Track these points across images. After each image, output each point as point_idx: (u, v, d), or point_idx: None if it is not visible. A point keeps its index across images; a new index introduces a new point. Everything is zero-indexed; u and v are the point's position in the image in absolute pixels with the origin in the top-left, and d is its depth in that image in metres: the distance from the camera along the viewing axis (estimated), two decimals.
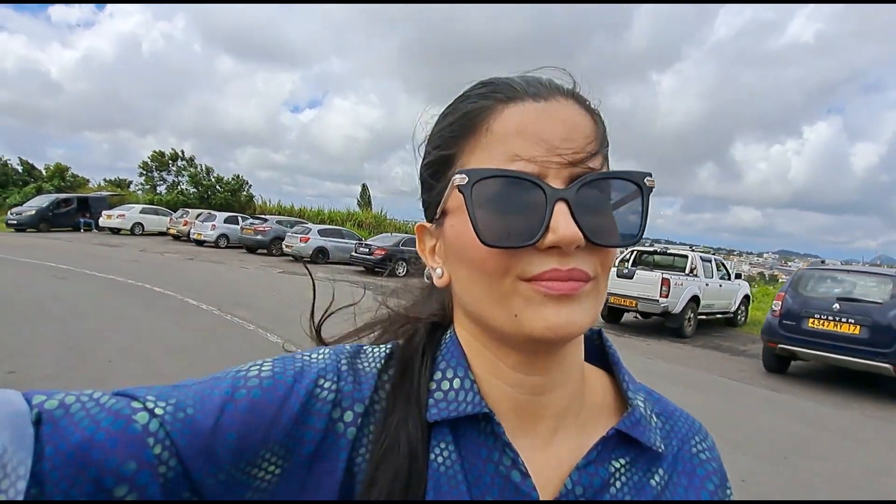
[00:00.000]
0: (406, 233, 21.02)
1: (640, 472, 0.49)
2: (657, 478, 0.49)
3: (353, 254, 17.54)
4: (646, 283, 10.27)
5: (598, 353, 0.57)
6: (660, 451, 0.49)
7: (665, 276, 10.14)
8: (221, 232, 21.37)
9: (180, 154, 35.59)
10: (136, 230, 24.19)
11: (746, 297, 13.06)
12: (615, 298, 10.58)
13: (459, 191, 0.42)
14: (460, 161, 0.46)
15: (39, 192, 29.65)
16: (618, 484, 0.47)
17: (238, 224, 21.73)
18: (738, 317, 12.72)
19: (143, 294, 9.36)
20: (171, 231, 23.30)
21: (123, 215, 24.25)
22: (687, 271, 10.97)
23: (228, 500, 0.40)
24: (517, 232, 0.42)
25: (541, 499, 0.45)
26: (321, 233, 19.19)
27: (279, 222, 21.24)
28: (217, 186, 33.38)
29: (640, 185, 0.45)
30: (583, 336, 0.52)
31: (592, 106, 0.47)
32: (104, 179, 38.23)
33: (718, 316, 12.00)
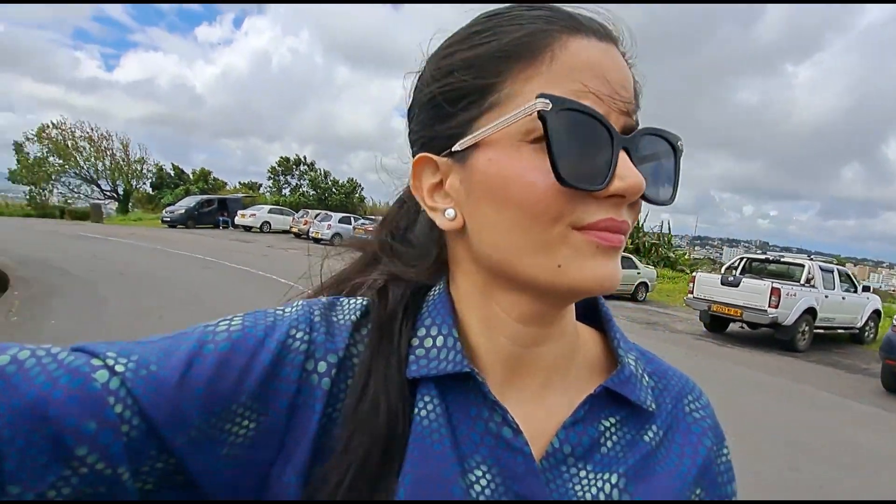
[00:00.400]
0: None
1: (632, 430, 0.48)
2: (650, 434, 0.48)
3: None
4: (753, 292, 9.80)
5: (590, 312, 0.55)
6: (650, 409, 0.48)
7: (775, 284, 9.61)
8: (336, 231, 23.14)
9: (302, 159, 38.98)
10: (265, 228, 26.89)
11: (877, 313, 11.87)
12: (718, 307, 10.21)
13: (540, 117, 0.39)
14: (507, 89, 0.41)
15: (187, 193, 33.94)
16: (608, 443, 0.46)
17: (350, 224, 23.40)
18: (866, 333, 11.62)
19: (272, 284, 10.69)
20: (293, 229, 25.68)
21: (255, 215, 27.11)
22: (802, 281, 10.29)
23: (202, 456, 0.39)
24: (586, 174, 0.39)
25: (532, 454, 0.44)
26: None
27: None
28: (333, 189, 36.22)
29: (674, 147, 0.45)
30: None
31: (630, 63, 0.45)
32: (239, 182, 42.86)
33: (841, 331, 11.08)
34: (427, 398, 0.44)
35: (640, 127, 0.43)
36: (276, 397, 0.41)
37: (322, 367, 0.43)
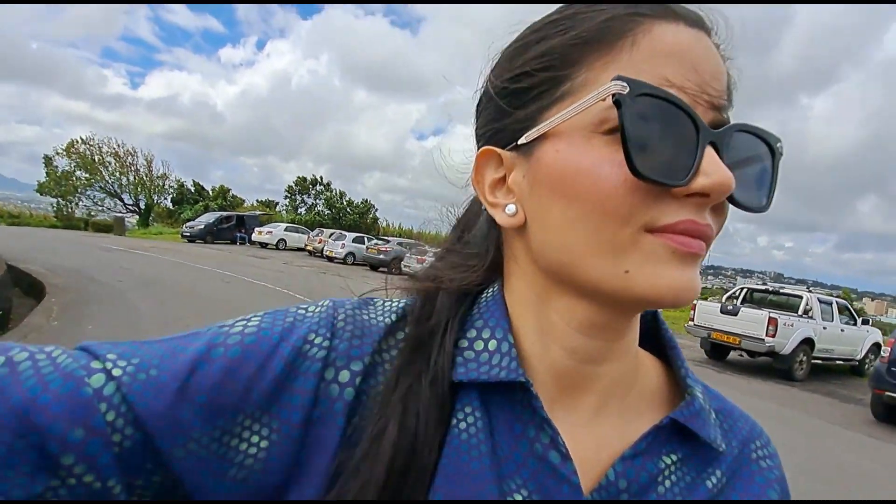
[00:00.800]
0: None
1: (693, 471, 0.43)
2: (714, 479, 0.43)
3: None
4: (751, 321, 10.12)
5: (651, 336, 0.50)
6: (720, 449, 0.43)
7: (772, 314, 9.94)
8: (349, 250, 23.75)
9: (319, 179, 39.90)
10: (280, 245, 27.57)
11: (877, 346, 12.07)
12: (718, 335, 10.53)
13: (615, 102, 0.35)
14: (582, 77, 0.38)
15: (206, 209, 34.88)
16: (667, 483, 0.41)
17: (364, 244, 24.02)
18: (866, 366, 11.81)
19: (287, 300, 11.20)
20: (308, 247, 26.35)
21: (271, 232, 27.87)
22: (800, 312, 10.60)
23: (206, 476, 0.36)
24: (665, 168, 0.35)
25: (581, 484, 0.39)
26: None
27: (399, 244, 23.17)
28: (348, 209, 37.03)
29: (772, 149, 0.40)
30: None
31: (725, 56, 0.41)
32: (256, 200, 43.83)
33: (840, 363, 11.31)
34: (468, 408, 0.40)
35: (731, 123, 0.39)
36: (289, 410, 0.38)
37: (344, 376, 0.40)
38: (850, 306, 11.95)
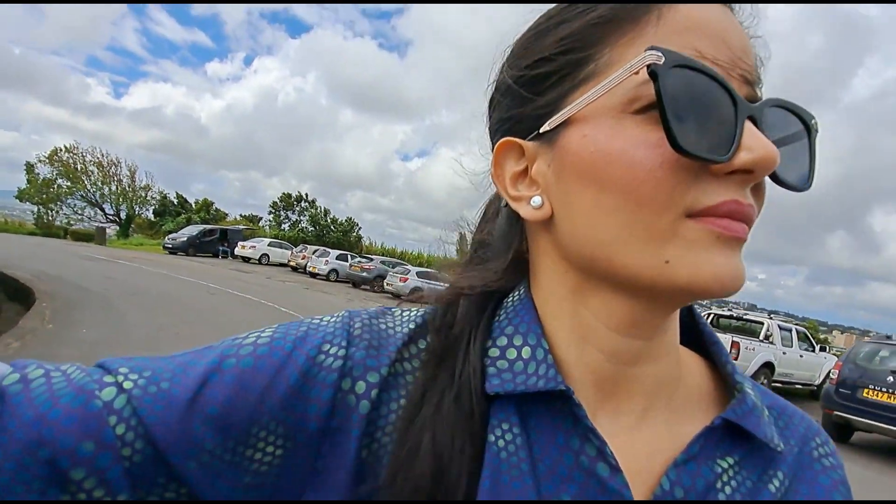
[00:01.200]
0: None
1: (753, 474, 0.40)
2: (776, 483, 0.40)
3: None
4: None
5: (689, 333, 0.46)
6: (779, 449, 0.40)
7: (735, 338, 10.52)
8: (333, 267, 23.98)
9: (304, 196, 40.15)
10: (263, 260, 27.67)
11: None
12: None
13: (651, 75, 0.33)
14: (606, 58, 0.36)
15: (189, 222, 34.87)
16: (727, 489, 0.38)
17: (347, 261, 24.28)
18: (823, 390, 12.47)
19: (272, 312, 11.47)
20: (291, 263, 26.51)
21: (255, 247, 27.98)
22: (762, 337, 11.22)
23: (220, 485, 0.36)
24: (706, 143, 0.33)
25: (634, 499, 0.36)
26: (419, 274, 21.00)
27: (383, 262, 23.56)
28: (332, 226, 37.33)
29: (808, 126, 0.38)
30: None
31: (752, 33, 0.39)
32: (240, 214, 43.88)
33: (798, 387, 11.92)
34: (506, 424, 0.38)
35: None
36: (306, 420, 0.37)
37: (360, 387, 0.38)
38: (808, 334, 12.63)
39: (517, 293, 0.43)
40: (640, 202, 0.34)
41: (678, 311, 0.42)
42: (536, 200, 0.40)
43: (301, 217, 39.64)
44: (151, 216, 39.77)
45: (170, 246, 27.42)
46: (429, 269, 22.72)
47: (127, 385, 0.36)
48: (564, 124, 0.38)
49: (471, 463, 0.36)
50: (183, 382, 0.37)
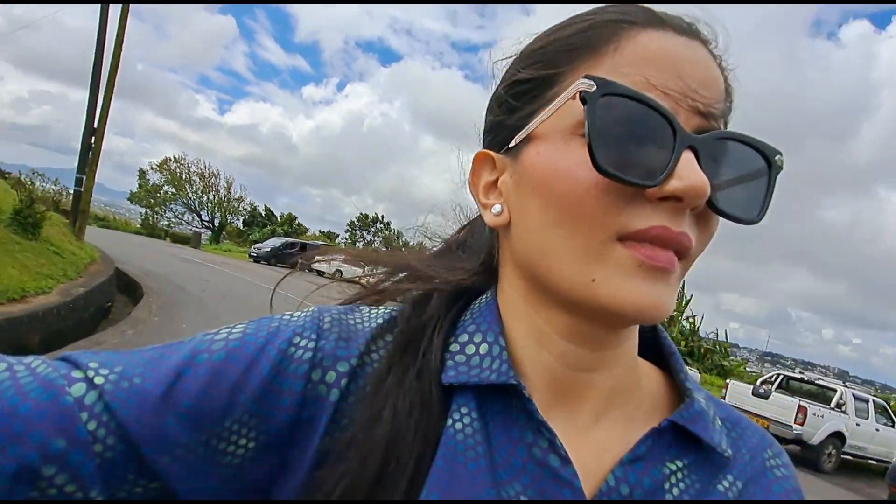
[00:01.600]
0: None
1: (703, 479, 0.41)
2: (726, 483, 0.42)
3: None
4: (781, 407, 10.29)
5: (651, 348, 0.49)
6: (726, 454, 0.42)
7: (802, 402, 10.12)
8: None
9: (380, 218, 41.95)
10: (336, 275, 28.69)
11: None
12: (747, 416, 10.65)
13: (581, 100, 0.35)
14: (567, 82, 0.39)
15: (273, 234, 37.28)
16: (675, 490, 0.40)
17: None
18: None
19: None
20: (362, 280, 27.59)
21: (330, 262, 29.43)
22: (832, 405, 10.69)
23: (192, 478, 0.37)
24: (636, 168, 0.35)
25: (582, 487, 0.38)
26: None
27: None
28: (403, 249, 38.52)
29: (769, 161, 0.39)
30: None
31: (724, 64, 0.41)
32: (319, 230, 46.31)
33: (872, 462, 11.17)
34: (464, 409, 0.40)
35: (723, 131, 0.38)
36: (277, 411, 0.38)
37: (331, 376, 0.40)
38: (888, 407, 11.82)
39: (485, 296, 0.46)
40: (575, 218, 0.37)
41: (635, 329, 0.44)
42: (496, 208, 0.44)
43: (375, 238, 41.39)
44: (241, 225, 42.96)
45: (255, 255, 29.40)
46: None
47: (98, 380, 0.36)
48: (525, 140, 0.41)
49: (423, 443, 0.38)
50: (155, 377, 0.37)
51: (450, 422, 0.40)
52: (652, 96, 0.36)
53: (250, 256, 29.70)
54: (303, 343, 0.41)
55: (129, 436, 0.35)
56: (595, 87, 0.35)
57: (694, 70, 0.38)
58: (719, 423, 0.45)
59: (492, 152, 0.45)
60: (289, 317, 0.43)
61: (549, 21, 0.45)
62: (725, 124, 0.41)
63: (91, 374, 0.37)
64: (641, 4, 0.42)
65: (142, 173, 41.02)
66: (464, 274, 0.49)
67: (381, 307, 0.48)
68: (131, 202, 40.99)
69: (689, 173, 0.35)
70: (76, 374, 0.37)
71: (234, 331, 0.41)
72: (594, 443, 0.42)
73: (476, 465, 0.38)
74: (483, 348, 0.42)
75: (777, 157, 0.40)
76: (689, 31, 0.40)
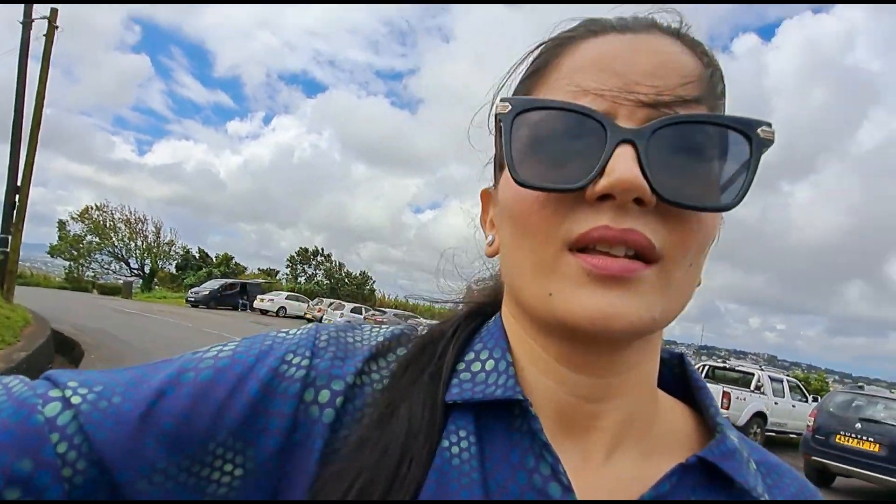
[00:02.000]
0: None
1: None
2: None
3: None
4: None
5: (679, 382, 0.47)
6: (762, 497, 0.39)
7: (726, 389, 11.14)
8: (348, 319, 24.75)
9: (320, 251, 41.70)
10: (281, 313, 28.65)
11: None
12: None
13: (497, 122, 0.37)
14: None
15: (209, 276, 36.21)
16: None
17: (362, 314, 25.22)
18: None
19: None
20: (307, 315, 27.42)
21: (273, 300, 29.06)
22: (752, 388, 11.82)
23: None
24: (569, 173, 0.35)
25: None
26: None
27: (396, 315, 24.46)
28: (346, 280, 38.53)
29: (748, 137, 0.36)
30: (658, 351, 0.43)
31: (705, 49, 0.40)
32: (258, 268, 45.31)
33: (793, 436, 12.37)
34: (462, 432, 0.38)
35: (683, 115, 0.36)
36: (266, 435, 0.36)
37: (324, 396, 0.38)
38: (800, 384, 13.19)
39: (494, 319, 0.46)
40: (524, 234, 0.38)
41: (648, 354, 0.41)
42: (489, 238, 0.46)
43: (317, 271, 41.13)
44: (174, 270, 41.37)
45: (192, 299, 28.58)
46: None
47: (75, 400, 0.35)
48: (500, 171, 0.43)
49: (418, 466, 0.36)
50: (135, 397, 0.35)
51: (446, 443, 0.38)
52: (585, 101, 0.36)
53: (188, 301, 28.81)
54: (296, 361, 0.39)
55: (102, 460, 0.34)
56: (510, 108, 0.37)
57: (636, 62, 0.37)
58: (754, 466, 0.42)
59: (490, 188, 0.48)
60: (284, 334, 0.42)
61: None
62: (711, 108, 0.38)
63: (69, 393, 0.35)
64: (591, 17, 0.42)
65: (61, 224, 38.81)
66: (478, 296, 0.50)
67: (381, 326, 0.47)
68: (52, 255, 38.60)
69: (615, 168, 0.34)
70: (53, 392, 0.35)
71: (224, 349, 0.40)
72: (608, 479, 0.40)
73: (470, 493, 0.36)
74: (489, 364, 0.41)
75: (760, 130, 0.36)
76: (633, 27, 0.40)
